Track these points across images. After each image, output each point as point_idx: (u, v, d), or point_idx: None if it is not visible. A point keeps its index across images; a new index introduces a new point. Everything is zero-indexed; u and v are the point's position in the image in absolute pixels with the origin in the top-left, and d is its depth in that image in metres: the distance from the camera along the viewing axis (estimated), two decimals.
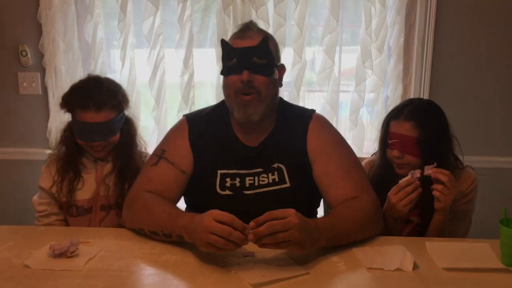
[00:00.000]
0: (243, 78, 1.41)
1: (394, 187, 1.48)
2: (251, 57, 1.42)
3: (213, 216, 1.15)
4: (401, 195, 1.44)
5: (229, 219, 1.14)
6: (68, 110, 1.63)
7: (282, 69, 1.55)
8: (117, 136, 1.66)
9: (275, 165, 1.50)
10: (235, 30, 1.56)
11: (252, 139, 1.52)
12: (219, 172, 1.49)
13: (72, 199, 1.67)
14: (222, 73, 1.48)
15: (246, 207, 1.19)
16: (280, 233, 1.12)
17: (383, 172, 1.63)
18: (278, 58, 1.53)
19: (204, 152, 1.51)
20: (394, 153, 1.55)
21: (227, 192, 1.47)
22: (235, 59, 1.43)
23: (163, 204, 1.38)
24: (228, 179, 1.48)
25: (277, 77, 1.48)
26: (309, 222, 1.20)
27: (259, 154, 1.51)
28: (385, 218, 1.50)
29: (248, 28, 1.50)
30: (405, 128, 1.55)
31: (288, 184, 1.48)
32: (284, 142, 1.51)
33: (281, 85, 1.55)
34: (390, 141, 1.57)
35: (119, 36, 2.34)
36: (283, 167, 1.49)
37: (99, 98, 1.57)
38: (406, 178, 1.47)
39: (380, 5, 2.26)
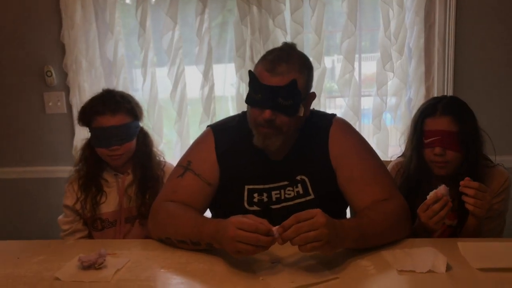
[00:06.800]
0: (265, 117, 1.37)
1: (422, 204, 1.39)
2: (276, 98, 1.36)
3: (236, 225, 1.14)
4: (429, 214, 1.36)
5: (253, 227, 1.13)
6: (86, 121, 1.69)
7: (311, 97, 1.47)
8: (133, 144, 1.70)
9: (299, 177, 1.48)
10: (268, 51, 1.46)
11: (277, 153, 1.50)
12: (246, 187, 1.48)
13: (97, 213, 1.71)
14: (246, 101, 1.44)
15: (274, 221, 1.17)
16: (309, 232, 1.11)
17: (418, 175, 1.58)
18: (309, 88, 1.45)
19: (231, 165, 1.50)
20: (435, 150, 1.50)
21: (255, 208, 1.47)
22: (260, 95, 1.38)
23: (189, 212, 1.38)
24: (255, 195, 1.48)
25: (301, 114, 1.42)
26: (335, 220, 1.18)
27: (283, 167, 1.49)
28: (417, 231, 1.43)
29: (282, 60, 1.38)
30: (444, 124, 1.50)
31: (312, 196, 1.47)
32: (307, 152, 1.50)
33: (308, 112, 1.48)
34: (428, 140, 1.52)
35: (140, 52, 2.38)
36: (306, 179, 1.48)
37: (112, 102, 1.67)
38: (432, 195, 1.37)
39: (398, 7, 2.24)
